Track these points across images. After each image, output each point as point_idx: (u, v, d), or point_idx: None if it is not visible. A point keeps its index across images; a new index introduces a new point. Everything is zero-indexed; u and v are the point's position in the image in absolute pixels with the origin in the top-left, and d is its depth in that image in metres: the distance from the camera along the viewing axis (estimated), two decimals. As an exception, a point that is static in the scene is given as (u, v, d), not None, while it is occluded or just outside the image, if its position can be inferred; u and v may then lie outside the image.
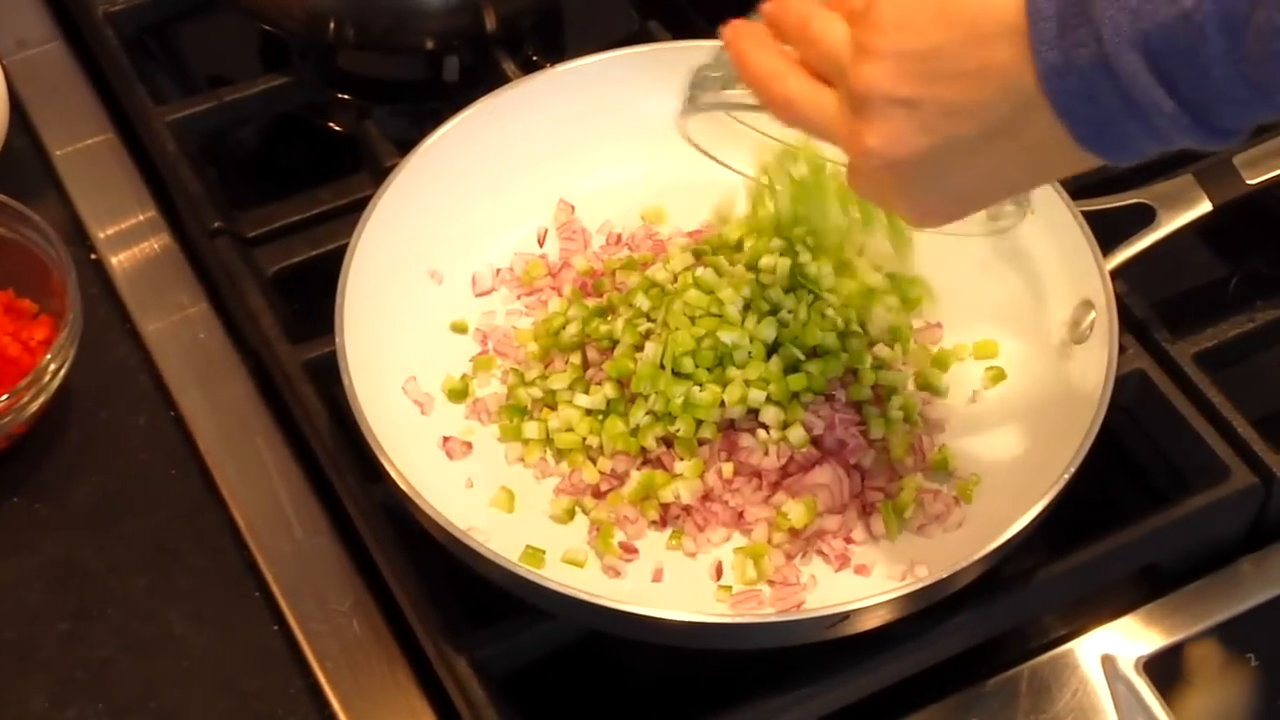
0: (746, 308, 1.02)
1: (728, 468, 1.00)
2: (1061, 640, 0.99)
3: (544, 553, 0.97)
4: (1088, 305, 1.02)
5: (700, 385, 1.00)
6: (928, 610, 0.93)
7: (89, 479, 1.05)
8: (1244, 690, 0.97)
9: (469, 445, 1.03)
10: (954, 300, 1.08)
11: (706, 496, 1.00)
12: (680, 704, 0.93)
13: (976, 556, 0.91)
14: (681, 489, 0.99)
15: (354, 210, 1.07)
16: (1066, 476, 0.93)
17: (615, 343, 1.03)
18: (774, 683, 0.93)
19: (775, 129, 0.92)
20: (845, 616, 0.90)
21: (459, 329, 1.08)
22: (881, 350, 1.04)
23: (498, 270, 1.11)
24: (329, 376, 1.01)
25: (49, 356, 1.02)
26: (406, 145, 1.10)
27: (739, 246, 1.07)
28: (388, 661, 0.98)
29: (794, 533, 0.98)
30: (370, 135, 1.18)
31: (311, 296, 1.08)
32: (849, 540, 0.99)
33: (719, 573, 0.98)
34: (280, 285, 1.12)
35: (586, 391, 1.02)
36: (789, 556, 0.98)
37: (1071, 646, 0.99)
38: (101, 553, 1.02)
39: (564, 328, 1.05)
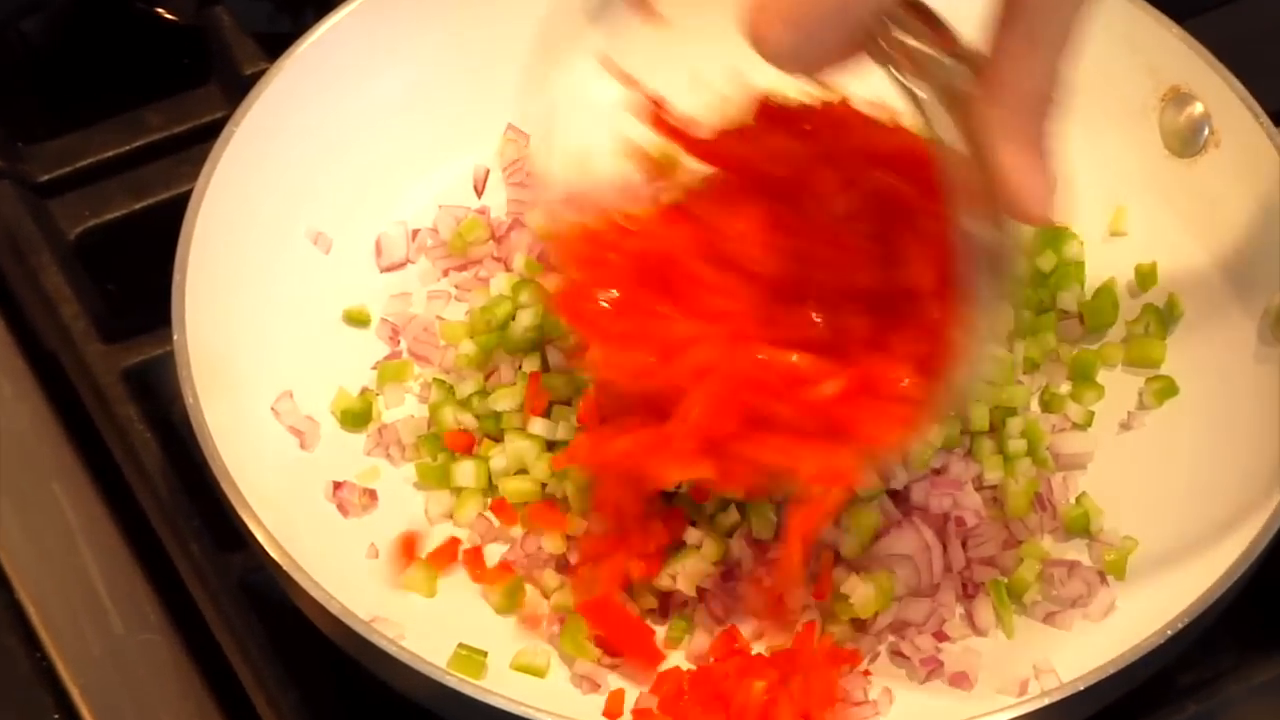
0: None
1: (760, 528, 1.00)
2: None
3: (485, 655, 0.97)
4: (1298, 286, 1.03)
5: (718, 404, 1.00)
6: (1060, 740, 0.93)
7: None
8: None
9: (373, 495, 1.03)
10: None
11: (728, 574, 1.00)
12: None
13: (1131, 659, 0.91)
14: (690, 564, 0.99)
15: (199, 142, 1.08)
16: (1265, 542, 0.93)
17: (590, 341, 1.03)
18: None
19: None
20: (937, 750, 0.91)
21: (357, 320, 1.09)
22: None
23: (415, 232, 1.11)
24: (162, 392, 1.01)
25: None
26: (276, 45, 1.10)
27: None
28: (249, 816, 0.98)
29: (859, 625, 0.99)
30: (222, 29, 1.18)
31: (135, 272, 1.08)
32: (941, 637, 0.99)
33: (747, 685, 0.98)
34: (88, 255, 1.12)
35: (547, 415, 1.03)
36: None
37: (1270, 789, 1.00)
38: None
39: (513, 318, 1.06)
